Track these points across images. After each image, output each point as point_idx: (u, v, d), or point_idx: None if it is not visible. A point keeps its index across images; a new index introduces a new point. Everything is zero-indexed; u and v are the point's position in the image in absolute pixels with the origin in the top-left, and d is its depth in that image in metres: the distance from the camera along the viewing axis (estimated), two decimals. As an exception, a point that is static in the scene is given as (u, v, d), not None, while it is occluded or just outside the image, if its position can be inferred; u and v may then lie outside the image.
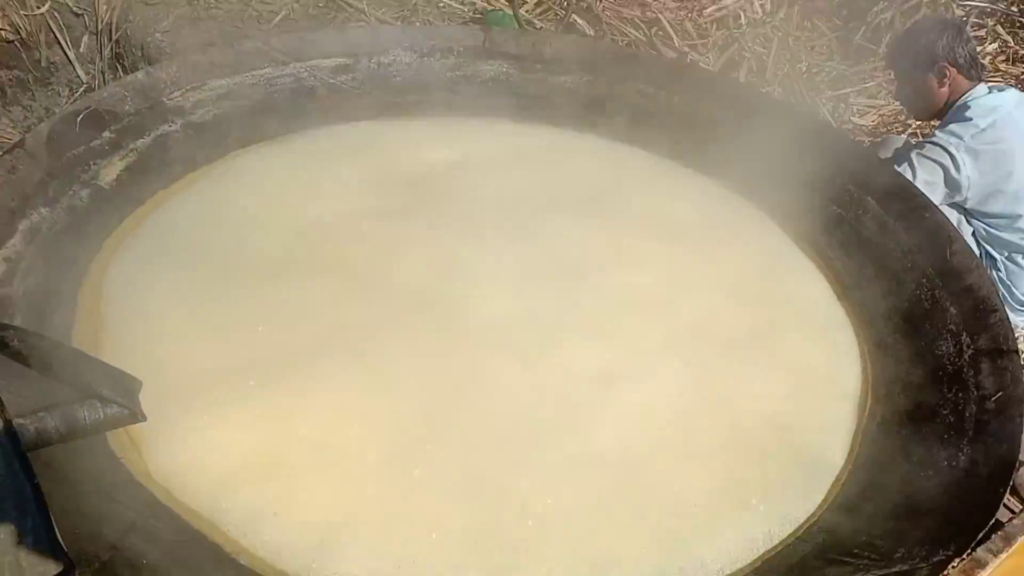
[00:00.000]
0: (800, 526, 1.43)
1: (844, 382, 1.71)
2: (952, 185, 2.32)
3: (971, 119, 2.31)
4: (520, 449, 1.45)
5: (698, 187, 2.18)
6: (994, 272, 2.39)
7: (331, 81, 2.31)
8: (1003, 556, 1.56)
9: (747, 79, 3.37)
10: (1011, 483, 1.39)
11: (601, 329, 1.70)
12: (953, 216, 2.38)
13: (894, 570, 1.28)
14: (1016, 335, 2.39)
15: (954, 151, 2.29)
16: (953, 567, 1.50)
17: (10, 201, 1.69)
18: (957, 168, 2.29)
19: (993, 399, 1.53)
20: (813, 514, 1.45)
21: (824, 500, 1.48)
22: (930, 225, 1.87)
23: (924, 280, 1.80)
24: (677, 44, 3.44)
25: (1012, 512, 1.70)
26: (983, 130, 2.29)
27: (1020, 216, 2.33)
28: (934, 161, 2.30)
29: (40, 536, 0.87)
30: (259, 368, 1.53)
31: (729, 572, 1.34)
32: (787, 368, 1.70)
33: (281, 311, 1.66)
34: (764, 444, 1.54)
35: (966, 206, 2.37)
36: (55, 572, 0.85)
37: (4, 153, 1.78)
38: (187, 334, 1.59)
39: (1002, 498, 1.37)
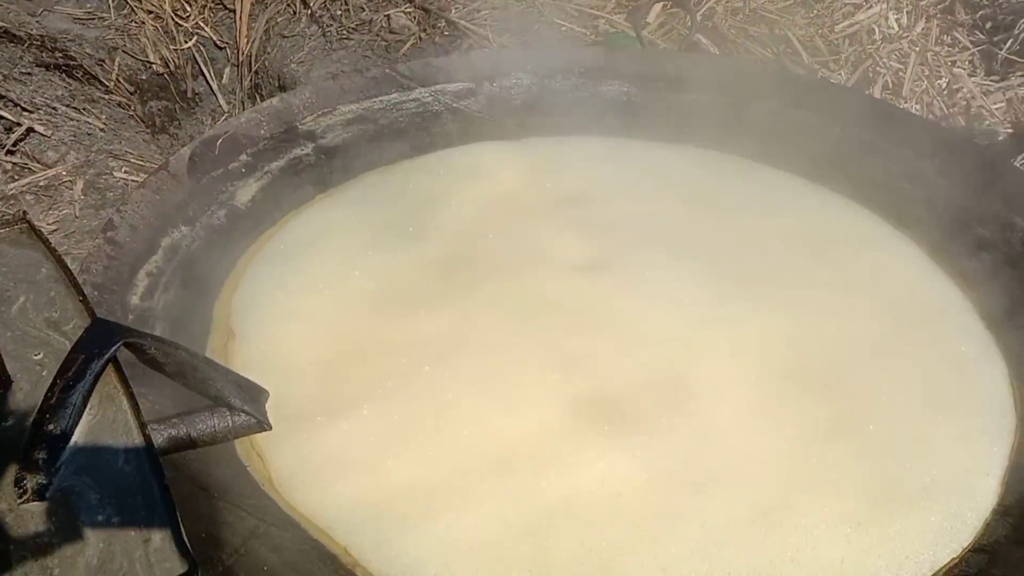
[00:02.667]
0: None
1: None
2: None
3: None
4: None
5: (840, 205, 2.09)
6: None
7: (455, 105, 2.35)
8: None
9: (882, 96, 3.22)
10: None
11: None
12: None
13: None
14: None
15: None
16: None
17: (154, 220, 1.79)
18: None
19: None
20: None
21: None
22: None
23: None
24: (807, 61, 3.32)
25: None
26: None
27: None
28: None
29: (167, 536, 0.90)
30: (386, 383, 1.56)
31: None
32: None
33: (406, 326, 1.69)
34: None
35: None
36: (181, 572, 0.87)
37: (149, 176, 1.89)
38: (312, 347, 1.64)
39: None
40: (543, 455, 1.44)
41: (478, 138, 2.32)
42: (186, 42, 3.77)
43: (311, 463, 1.42)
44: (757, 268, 1.86)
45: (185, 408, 1.23)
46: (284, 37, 3.89)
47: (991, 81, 3.48)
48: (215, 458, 1.36)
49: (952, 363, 1.66)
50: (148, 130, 3.56)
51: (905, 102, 3.22)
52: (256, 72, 3.83)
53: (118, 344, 1.06)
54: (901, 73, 3.30)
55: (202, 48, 3.89)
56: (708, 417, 1.52)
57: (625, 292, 1.77)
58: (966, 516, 1.39)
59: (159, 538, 0.91)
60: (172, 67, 3.84)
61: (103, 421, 1.03)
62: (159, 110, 3.78)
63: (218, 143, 2.00)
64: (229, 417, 1.26)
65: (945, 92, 3.37)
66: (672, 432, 1.49)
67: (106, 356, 1.04)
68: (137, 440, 1.01)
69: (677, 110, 2.35)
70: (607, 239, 1.92)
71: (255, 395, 1.30)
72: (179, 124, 3.82)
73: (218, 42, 3.86)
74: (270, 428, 1.31)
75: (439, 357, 1.61)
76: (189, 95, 3.87)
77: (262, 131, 2.09)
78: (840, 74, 3.32)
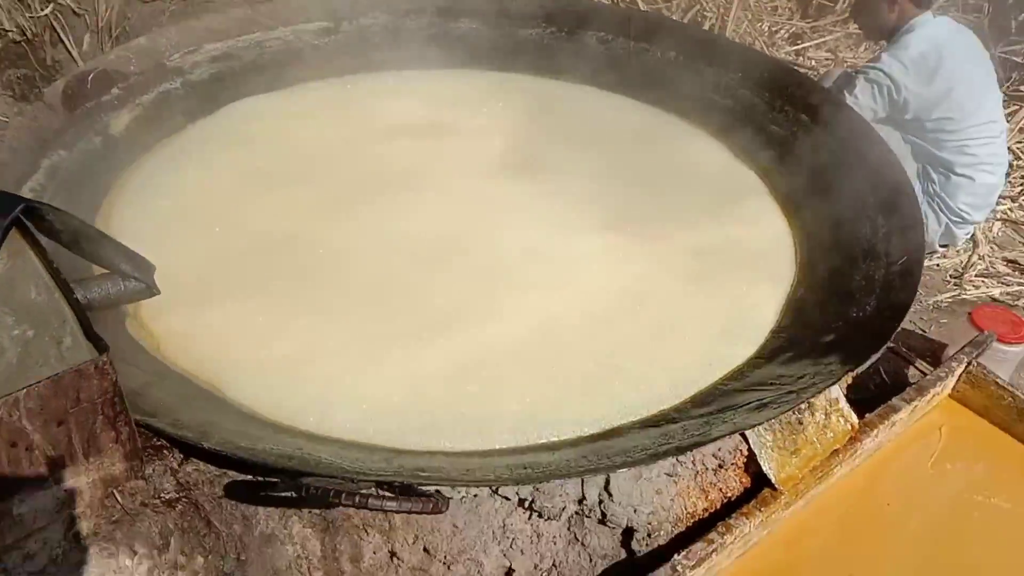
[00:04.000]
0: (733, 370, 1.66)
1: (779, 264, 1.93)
2: (894, 105, 2.51)
3: (913, 43, 2.50)
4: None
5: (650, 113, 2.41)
6: (931, 186, 2.58)
7: (315, 43, 2.53)
8: (916, 403, 1.77)
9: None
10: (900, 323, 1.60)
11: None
12: (894, 136, 2.58)
13: (800, 387, 1.50)
14: (957, 247, 2.60)
15: (895, 73, 2.49)
16: (870, 414, 1.72)
17: (34, 144, 1.91)
18: (898, 89, 2.49)
19: (899, 263, 1.74)
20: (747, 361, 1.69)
21: (756, 352, 1.71)
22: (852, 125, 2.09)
23: (849, 176, 2.01)
24: (642, 7, 3.65)
25: (924, 374, 1.93)
26: (923, 53, 2.49)
27: (955, 132, 2.52)
28: (876, 84, 2.50)
29: (77, 334, 1.09)
30: (251, 256, 1.79)
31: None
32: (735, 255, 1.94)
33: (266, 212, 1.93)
34: (714, 312, 1.79)
35: (908, 121, 2.56)
36: (91, 357, 1.06)
37: (27, 106, 2.00)
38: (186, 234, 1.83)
39: (895, 329, 1.58)
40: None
41: (336, 73, 2.52)
42: (43, 9, 3.76)
43: (196, 330, 1.61)
44: (595, 162, 2.16)
45: (81, 275, 1.40)
46: (144, 3, 3.95)
47: (806, 22, 3.92)
48: (103, 324, 1.52)
49: (750, 228, 1.99)
50: (11, 96, 3.56)
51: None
52: (116, 38, 3.86)
53: (20, 207, 1.22)
54: (725, 17, 3.67)
55: (59, 15, 3.87)
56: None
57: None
58: (754, 335, 1.73)
59: (70, 339, 1.10)
60: (29, 35, 3.81)
61: (14, 268, 1.19)
62: (18, 78, 3.76)
63: (90, 78, 2.12)
64: (121, 283, 1.44)
65: (766, 34, 3.77)
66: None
67: (11, 216, 1.20)
68: (46, 277, 1.18)
69: (517, 42, 2.61)
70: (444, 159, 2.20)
71: (143, 265, 1.48)
72: (40, 92, 3.80)
73: (76, 9, 3.86)
74: (158, 292, 1.49)
75: (300, 245, 1.86)
76: (49, 63, 3.86)
77: (131, 67, 2.22)
78: (673, 18, 3.66)
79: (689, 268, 1.89)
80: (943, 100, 2.49)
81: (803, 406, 1.63)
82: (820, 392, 1.52)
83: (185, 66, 2.31)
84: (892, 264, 1.76)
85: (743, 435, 1.55)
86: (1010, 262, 2.69)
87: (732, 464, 1.58)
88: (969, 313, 2.08)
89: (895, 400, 1.78)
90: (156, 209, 1.90)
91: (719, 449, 1.56)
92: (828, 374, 1.55)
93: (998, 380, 1.86)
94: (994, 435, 1.88)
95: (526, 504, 1.46)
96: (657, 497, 1.51)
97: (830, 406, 1.68)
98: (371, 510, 1.22)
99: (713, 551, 1.47)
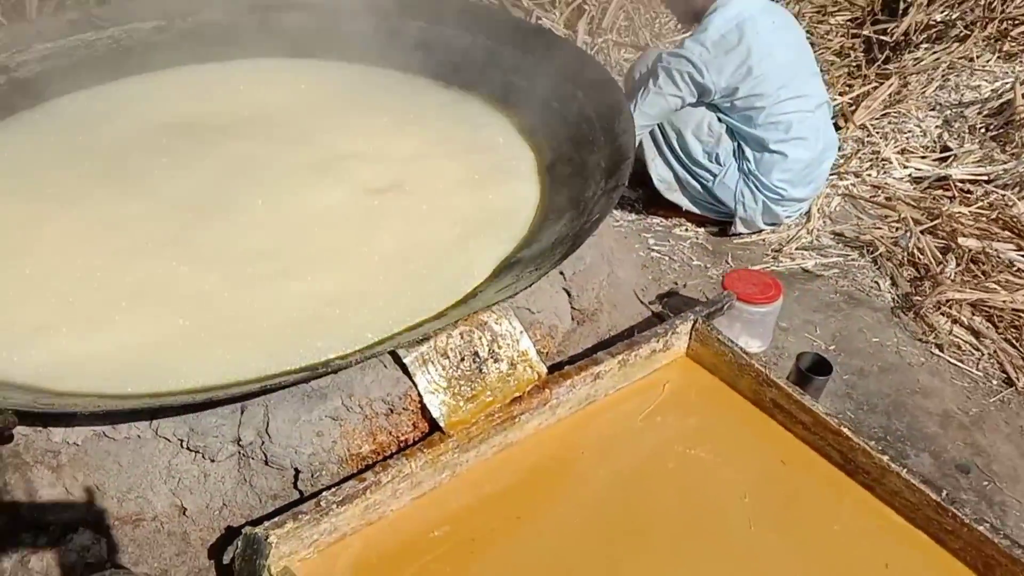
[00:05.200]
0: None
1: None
2: (701, 88, 2.56)
3: (713, 24, 2.54)
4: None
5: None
6: (746, 164, 2.60)
7: (149, 40, 2.69)
8: (626, 357, 1.82)
9: (585, 28, 3.66)
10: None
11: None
12: (708, 116, 2.62)
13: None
14: (782, 224, 2.64)
15: (695, 59, 2.53)
16: (571, 366, 1.78)
17: None
18: (700, 73, 2.53)
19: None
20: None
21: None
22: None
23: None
24: (526, 5, 3.73)
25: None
26: (724, 34, 2.53)
27: (763, 108, 2.55)
28: (678, 72, 2.55)
29: None
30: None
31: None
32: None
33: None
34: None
35: (720, 101, 2.59)
36: None
37: None
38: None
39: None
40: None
41: (170, 65, 2.67)
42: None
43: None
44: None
45: None
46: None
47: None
48: None
49: (514, 183, 2.20)
50: None
51: (607, 32, 3.67)
52: None
53: None
54: (606, 7, 3.74)
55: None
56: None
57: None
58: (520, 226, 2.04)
59: None
60: None
61: None
62: None
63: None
64: None
65: (648, 26, 3.83)
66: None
67: None
68: None
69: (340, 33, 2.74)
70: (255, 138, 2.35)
71: None
72: None
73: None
74: None
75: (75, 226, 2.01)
76: None
77: (-44, 66, 2.40)
78: (555, 13, 3.74)
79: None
80: (747, 77, 2.51)
81: (485, 355, 1.70)
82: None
83: (11, 64, 2.48)
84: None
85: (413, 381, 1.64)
86: (836, 235, 2.69)
87: (405, 409, 1.66)
88: (723, 276, 2.12)
89: (600, 354, 1.84)
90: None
91: (388, 394, 1.64)
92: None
93: (720, 337, 1.91)
94: (719, 390, 1.92)
95: (184, 444, 1.56)
96: (318, 439, 1.60)
97: (518, 356, 1.75)
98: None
99: (366, 489, 1.55)
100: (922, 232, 2.65)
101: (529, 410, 1.73)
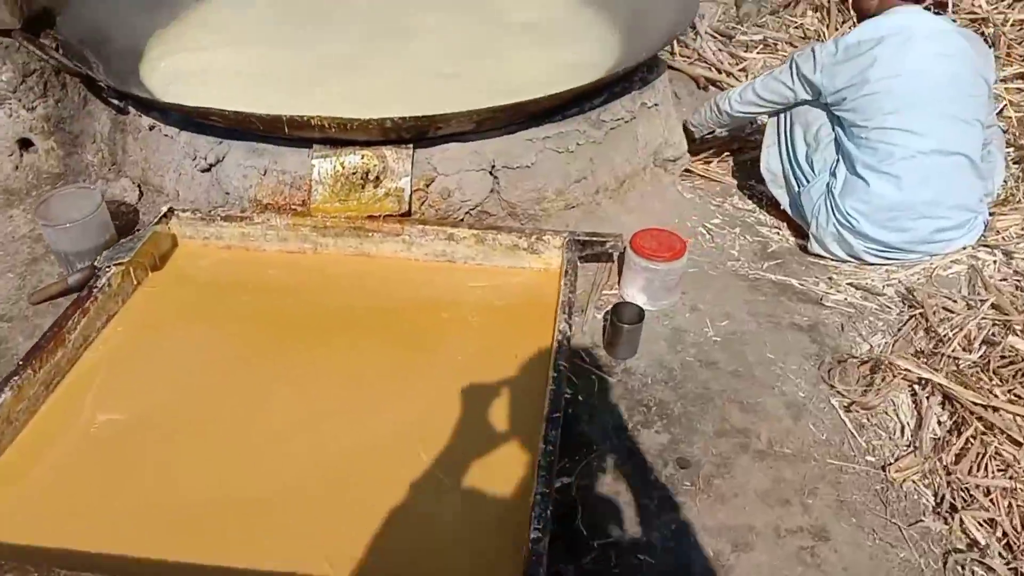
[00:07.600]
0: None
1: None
2: (809, 85, 2.45)
3: (861, 29, 2.39)
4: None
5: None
6: (832, 180, 2.42)
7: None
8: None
9: None
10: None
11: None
12: (821, 120, 2.51)
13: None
14: (859, 258, 2.48)
15: (818, 56, 2.41)
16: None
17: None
18: (812, 71, 2.42)
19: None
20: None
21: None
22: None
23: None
24: None
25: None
26: (862, 40, 2.37)
27: (864, 127, 2.33)
28: (796, 63, 2.48)
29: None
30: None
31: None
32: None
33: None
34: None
35: (830, 104, 2.45)
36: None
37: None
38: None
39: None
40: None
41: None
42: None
43: None
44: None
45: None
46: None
47: None
48: None
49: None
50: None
51: None
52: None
53: None
54: None
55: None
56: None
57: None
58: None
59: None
60: None
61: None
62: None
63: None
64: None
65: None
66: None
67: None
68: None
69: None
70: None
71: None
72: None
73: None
74: None
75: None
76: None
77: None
78: None
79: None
80: (861, 88, 2.29)
81: (373, 177, 2.19)
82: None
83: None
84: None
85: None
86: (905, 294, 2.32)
87: (300, 189, 2.25)
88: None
89: (463, 221, 2.17)
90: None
91: (297, 172, 2.24)
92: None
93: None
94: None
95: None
96: (243, 180, 2.29)
97: (393, 189, 2.19)
98: None
99: (244, 219, 2.21)
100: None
101: (381, 231, 2.18)
